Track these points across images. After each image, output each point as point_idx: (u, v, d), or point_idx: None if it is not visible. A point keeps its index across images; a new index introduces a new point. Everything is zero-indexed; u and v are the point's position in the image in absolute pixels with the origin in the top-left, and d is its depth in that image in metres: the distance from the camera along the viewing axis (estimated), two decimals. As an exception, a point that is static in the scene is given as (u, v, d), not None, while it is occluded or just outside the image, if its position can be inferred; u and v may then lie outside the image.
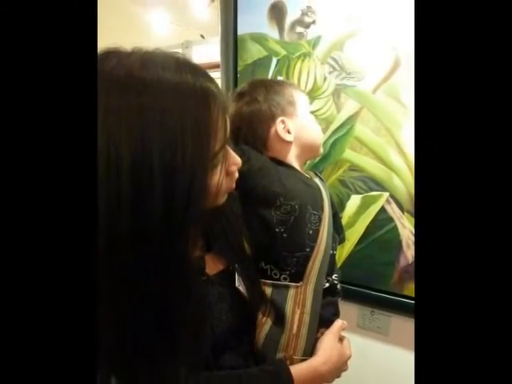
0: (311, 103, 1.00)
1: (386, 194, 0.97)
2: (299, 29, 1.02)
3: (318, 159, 1.03)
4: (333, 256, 0.69)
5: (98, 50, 0.39)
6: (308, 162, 1.00)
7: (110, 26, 1.45)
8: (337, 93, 0.99)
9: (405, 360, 1.01)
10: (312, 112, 0.78)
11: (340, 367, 0.64)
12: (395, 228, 0.97)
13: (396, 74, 0.91)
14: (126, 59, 0.41)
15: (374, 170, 0.97)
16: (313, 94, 1.02)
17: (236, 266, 0.60)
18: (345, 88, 0.98)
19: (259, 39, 1.08)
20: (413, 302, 0.95)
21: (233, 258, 0.60)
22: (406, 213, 0.95)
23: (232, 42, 1.12)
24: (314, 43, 1.00)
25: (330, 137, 1.01)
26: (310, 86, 1.02)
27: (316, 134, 0.74)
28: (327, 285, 0.68)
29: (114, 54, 0.42)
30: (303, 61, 1.03)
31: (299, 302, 0.62)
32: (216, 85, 0.45)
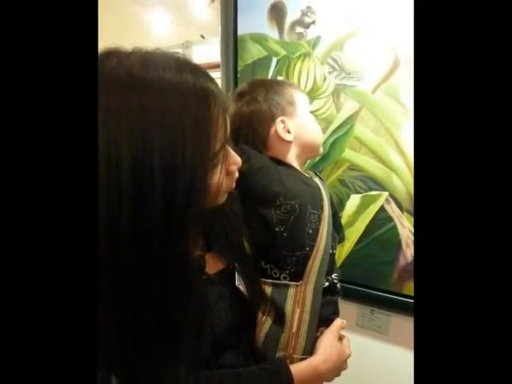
0: (311, 103, 1.00)
1: (385, 194, 0.97)
2: (299, 29, 1.02)
3: (317, 159, 1.03)
4: (332, 255, 0.69)
5: (99, 50, 0.39)
6: (308, 162, 1.00)
7: (111, 26, 1.45)
8: (336, 93, 0.99)
9: (404, 359, 1.01)
10: (312, 112, 0.78)
11: (340, 366, 0.64)
12: (395, 227, 0.97)
13: (395, 74, 0.91)
14: (126, 59, 0.41)
15: (374, 170, 0.98)
16: (312, 94, 1.02)
17: (236, 265, 0.60)
18: (344, 88, 0.98)
19: (259, 39, 1.08)
20: (412, 301, 0.95)
21: (233, 257, 0.60)
22: (405, 212, 0.95)
23: (232, 42, 1.12)
24: (314, 43, 1.00)
25: (329, 136, 1.01)
26: (309, 86, 1.03)
27: (316, 134, 0.74)
28: (327, 284, 0.68)
29: (114, 54, 0.42)
30: (303, 61, 1.03)
31: (299, 301, 0.62)
32: (216, 85, 0.45)
